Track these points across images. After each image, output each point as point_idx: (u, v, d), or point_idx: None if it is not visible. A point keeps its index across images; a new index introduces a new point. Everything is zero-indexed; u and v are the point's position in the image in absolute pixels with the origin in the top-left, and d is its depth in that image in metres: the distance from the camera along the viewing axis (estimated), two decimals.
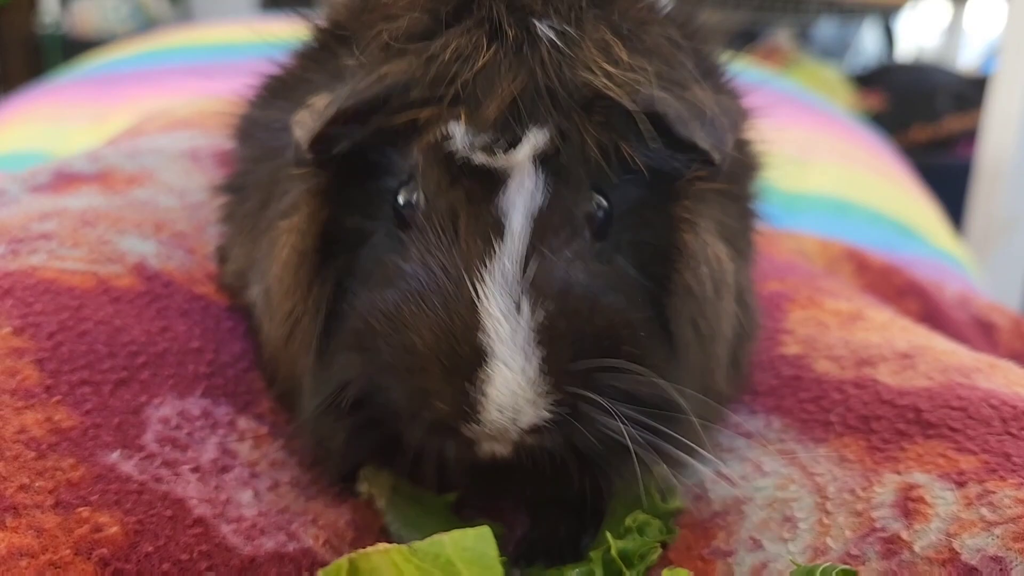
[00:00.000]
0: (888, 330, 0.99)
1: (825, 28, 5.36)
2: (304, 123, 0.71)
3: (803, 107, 2.43)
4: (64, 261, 0.89)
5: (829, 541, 0.72)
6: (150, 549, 0.67)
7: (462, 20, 0.71)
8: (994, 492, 0.68)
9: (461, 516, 0.80)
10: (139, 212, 1.04)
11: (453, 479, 0.74)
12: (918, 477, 0.73)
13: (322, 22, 0.89)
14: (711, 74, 0.88)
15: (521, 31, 0.69)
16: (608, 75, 0.68)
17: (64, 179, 1.13)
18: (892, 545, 0.68)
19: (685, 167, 0.71)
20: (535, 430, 0.66)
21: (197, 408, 0.82)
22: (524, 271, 0.65)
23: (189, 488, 0.74)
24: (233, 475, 0.79)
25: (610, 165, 0.69)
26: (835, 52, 5.23)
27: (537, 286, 0.65)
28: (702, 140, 0.68)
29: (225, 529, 0.73)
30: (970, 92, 3.85)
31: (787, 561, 0.71)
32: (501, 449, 0.68)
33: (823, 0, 4.93)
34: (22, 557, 0.61)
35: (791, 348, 0.97)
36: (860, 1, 4.99)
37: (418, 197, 0.70)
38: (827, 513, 0.74)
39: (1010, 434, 0.75)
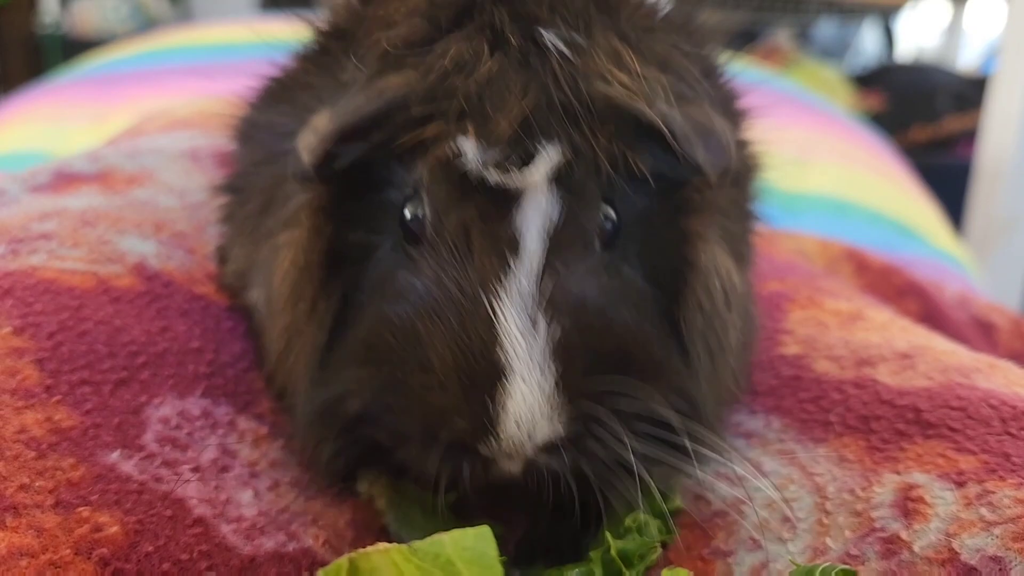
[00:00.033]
0: (888, 330, 0.99)
1: (825, 28, 5.36)
2: (306, 143, 0.70)
3: (803, 107, 2.44)
4: (64, 261, 0.89)
5: (828, 541, 0.72)
6: (150, 549, 0.67)
7: (462, 26, 0.70)
8: (993, 492, 0.68)
9: (461, 516, 0.80)
10: (139, 212, 1.04)
11: (460, 496, 0.74)
12: (917, 477, 0.73)
13: (322, 24, 0.89)
14: (710, 75, 0.88)
15: (526, 40, 0.68)
16: (624, 86, 0.67)
17: (64, 179, 1.14)
18: (891, 545, 0.68)
19: (689, 175, 0.71)
20: (547, 448, 0.66)
21: (197, 408, 0.82)
22: (539, 287, 0.65)
23: (189, 488, 0.74)
24: (233, 475, 0.79)
25: (619, 175, 0.68)
26: (835, 52, 5.23)
27: (553, 302, 0.65)
28: (704, 159, 0.68)
29: (225, 529, 0.73)
30: (970, 92, 3.85)
31: (787, 561, 0.71)
32: (514, 467, 0.68)
33: (823, 0, 4.93)
34: (22, 557, 0.61)
35: (791, 348, 0.97)
36: (860, 1, 4.99)
37: (425, 211, 0.69)
38: (827, 513, 0.74)
39: (1009, 434, 0.75)
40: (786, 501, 0.76)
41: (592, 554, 0.74)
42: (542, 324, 0.64)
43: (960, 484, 0.71)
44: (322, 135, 0.67)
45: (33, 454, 0.69)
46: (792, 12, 4.97)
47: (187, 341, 0.87)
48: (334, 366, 0.72)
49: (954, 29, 5.51)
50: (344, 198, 0.72)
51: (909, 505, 0.71)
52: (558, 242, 0.67)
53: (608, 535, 0.72)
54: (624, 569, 0.71)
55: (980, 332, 1.34)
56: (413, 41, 0.70)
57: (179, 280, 0.94)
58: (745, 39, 4.54)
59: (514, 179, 0.65)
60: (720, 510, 0.78)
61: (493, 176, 0.65)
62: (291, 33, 0.91)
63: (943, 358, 0.89)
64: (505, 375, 0.63)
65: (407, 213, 0.70)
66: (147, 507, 0.70)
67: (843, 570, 0.64)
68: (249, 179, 0.90)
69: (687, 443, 0.68)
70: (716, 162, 0.69)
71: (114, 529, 0.66)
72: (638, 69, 0.68)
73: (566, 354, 0.65)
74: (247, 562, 0.71)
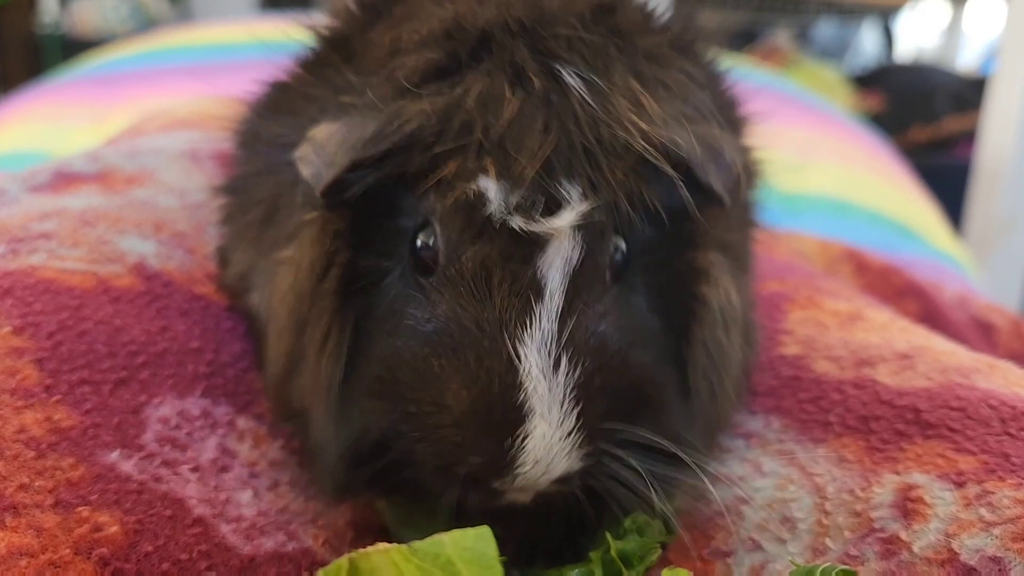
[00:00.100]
0: (887, 330, 0.99)
1: (825, 28, 5.36)
2: (309, 160, 0.69)
3: (803, 108, 2.43)
4: (64, 261, 0.89)
5: (828, 541, 0.72)
6: (150, 549, 0.67)
7: (481, 62, 0.69)
8: (993, 492, 0.68)
9: (461, 516, 0.80)
10: (139, 212, 1.04)
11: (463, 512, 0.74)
12: (917, 477, 0.73)
13: (324, 30, 0.88)
14: (711, 83, 0.88)
15: (547, 79, 0.68)
16: (645, 136, 0.67)
17: (64, 179, 1.13)
18: (891, 545, 0.68)
19: (697, 202, 0.70)
20: (560, 479, 0.66)
21: (197, 408, 0.82)
22: (561, 328, 0.65)
23: (189, 488, 0.74)
24: (233, 475, 0.79)
25: (634, 211, 0.68)
26: (834, 53, 5.23)
27: (574, 342, 0.65)
28: (717, 184, 0.68)
29: (225, 529, 0.73)
30: (969, 93, 3.85)
31: (786, 561, 0.71)
32: (524, 497, 0.68)
33: (823, 0, 4.93)
34: (22, 556, 0.61)
35: (790, 348, 0.97)
36: (860, 1, 5.00)
37: (438, 243, 0.68)
38: (826, 513, 0.74)
39: (1009, 434, 0.75)
40: (784, 501, 0.76)
41: (592, 554, 0.74)
42: (564, 365, 0.64)
43: (960, 484, 0.71)
44: (336, 164, 0.66)
45: (33, 454, 0.69)
46: (792, 12, 4.97)
47: (187, 341, 0.87)
48: (349, 400, 0.71)
49: (953, 30, 5.51)
50: (354, 224, 0.71)
51: (909, 505, 0.71)
52: (577, 282, 0.67)
53: (608, 535, 0.72)
54: (624, 569, 0.71)
55: (979, 332, 1.34)
56: (430, 74, 0.70)
57: (179, 280, 0.94)
58: (745, 39, 4.55)
59: (541, 226, 0.65)
60: (720, 510, 0.78)
61: (518, 222, 0.65)
62: (291, 34, 0.90)
63: (943, 358, 0.89)
64: (526, 416, 0.63)
65: (419, 242, 0.69)
66: (147, 507, 0.70)
67: (843, 570, 0.64)
68: (250, 186, 0.90)
69: (691, 463, 0.69)
70: (728, 183, 0.70)
71: (114, 529, 0.66)
72: (658, 112, 0.68)
73: (586, 394, 0.65)
74: (247, 562, 0.71)
